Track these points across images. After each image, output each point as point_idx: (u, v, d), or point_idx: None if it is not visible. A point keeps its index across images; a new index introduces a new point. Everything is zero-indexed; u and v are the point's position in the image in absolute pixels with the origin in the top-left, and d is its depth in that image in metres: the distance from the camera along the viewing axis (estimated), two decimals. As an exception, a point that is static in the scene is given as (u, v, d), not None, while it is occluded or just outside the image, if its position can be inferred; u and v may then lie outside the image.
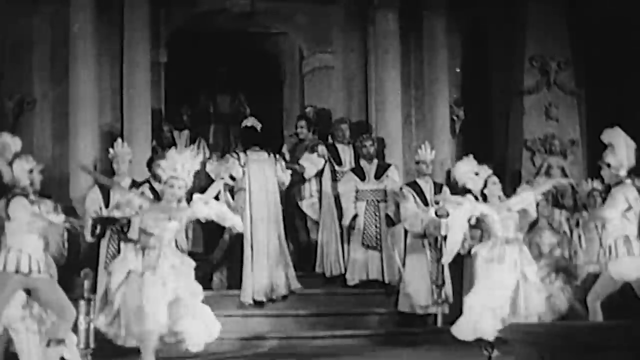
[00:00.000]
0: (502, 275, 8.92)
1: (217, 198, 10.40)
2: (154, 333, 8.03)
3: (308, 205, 11.34)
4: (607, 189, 9.02)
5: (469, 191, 10.79)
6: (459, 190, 11.32)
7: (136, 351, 8.24)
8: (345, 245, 11.07)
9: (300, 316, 10.40)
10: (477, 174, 9.32)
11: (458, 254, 10.82)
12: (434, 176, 11.19)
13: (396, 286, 10.80)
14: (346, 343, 9.91)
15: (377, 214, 10.98)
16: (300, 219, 11.45)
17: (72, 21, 11.18)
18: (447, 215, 10.45)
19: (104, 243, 10.17)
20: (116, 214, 8.62)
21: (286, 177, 10.72)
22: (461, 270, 10.90)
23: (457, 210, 9.30)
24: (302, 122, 11.75)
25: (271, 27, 13.08)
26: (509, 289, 8.91)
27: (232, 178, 10.55)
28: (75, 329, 8.02)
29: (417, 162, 11.00)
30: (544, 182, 10.13)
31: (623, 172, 8.80)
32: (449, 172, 11.83)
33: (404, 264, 10.81)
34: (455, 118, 12.11)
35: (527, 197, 9.29)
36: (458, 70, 12.12)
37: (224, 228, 10.73)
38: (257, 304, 10.38)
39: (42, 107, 11.39)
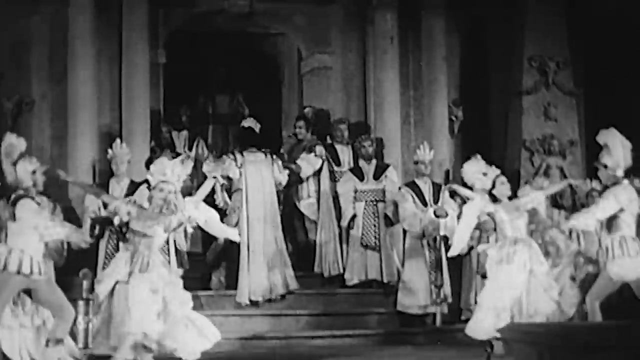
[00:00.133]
0: (510, 275, 8.91)
1: (213, 198, 10.51)
2: (136, 335, 7.98)
3: (306, 205, 11.35)
4: (605, 190, 9.03)
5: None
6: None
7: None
8: (344, 246, 11.08)
9: (299, 316, 10.40)
10: (485, 174, 9.32)
11: (457, 254, 10.86)
12: (433, 176, 11.20)
13: (395, 286, 10.80)
14: (345, 343, 9.92)
15: (375, 214, 10.98)
16: (299, 219, 11.45)
17: (71, 22, 11.18)
18: (446, 215, 10.48)
19: (102, 244, 10.17)
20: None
21: (283, 178, 10.73)
22: (460, 270, 10.91)
23: (468, 205, 9.31)
24: (301, 123, 11.76)
25: (270, 28, 13.08)
26: (517, 289, 8.90)
27: (229, 179, 10.56)
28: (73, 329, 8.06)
29: (416, 163, 11.01)
30: (557, 182, 10.14)
31: (620, 173, 8.81)
32: (447, 172, 11.85)
33: (402, 264, 10.82)
34: (453, 118, 12.11)
35: (537, 197, 9.28)
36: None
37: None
38: (255, 304, 10.38)
39: (40, 108, 11.38)
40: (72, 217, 9.95)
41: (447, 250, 10.67)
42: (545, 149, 11.87)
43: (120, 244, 8.95)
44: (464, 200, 10.97)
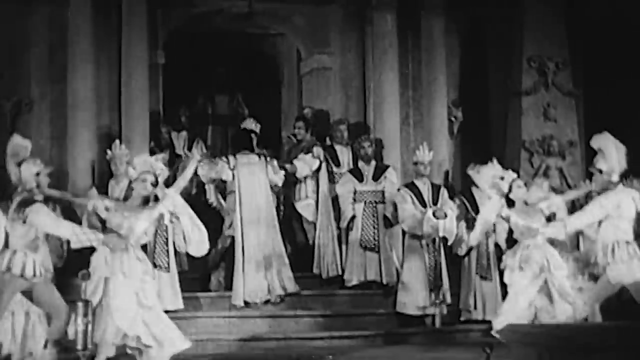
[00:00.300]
0: (525, 281, 8.90)
1: (209, 202, 10.54)
2: (119, 331, 8.00)
3: (303, 206, 11.34)
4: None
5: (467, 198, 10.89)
6: (456, 191, 11.39)
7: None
8: (343, 247, 11.07)
9: (298, 317, 10.40)
10: (502, 178, 9.32)
11: (456, 255, 10.87)
12: (432, 177, 11.20)
13: (394, 287, 10.80)
14: (344, 344, 9.91)
15: (375, 215, 10.98)
16: (297, 221, 11.45)
17: (71, 22, 11.17)
18: (445, 216, 10.48)
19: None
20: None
21: (279, 179, 10.73)
22: (459, 271, 10.91)
23: (488, 204, 9.32)
24: (300, 123, 11.76)
25: (269, 28, 13.08)
26: (532, 294, 8.89)
27: (224, 181, 10.59)
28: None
29: (415, 163, 11.01)
30: (577, 188, 10.11)
31: (615, 177, 8.83)
32: (447, 173, 11.85)
33: (402, 265, 10.81)
34: (453, 119, 12.11)
35: (556, 202, 9.25)
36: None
37: (221, 230, 10.79)
38: (252, 305, 10.37)
39: (40, 109, 11.37)
40: (72, 217, 9.99)
41: (446, 251, 10.70)
42: (545, 149, 11.86)
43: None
44: (463, 202, 10.99)
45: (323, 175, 11.29)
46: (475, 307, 10.76)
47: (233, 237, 10.54)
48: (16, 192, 8.92)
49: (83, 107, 11.13)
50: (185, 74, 12.88)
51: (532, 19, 12.05)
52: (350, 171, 11.20)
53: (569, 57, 12.06)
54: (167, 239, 10.12)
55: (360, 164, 11.21)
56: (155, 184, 8.35)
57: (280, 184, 10.82)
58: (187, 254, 10.54)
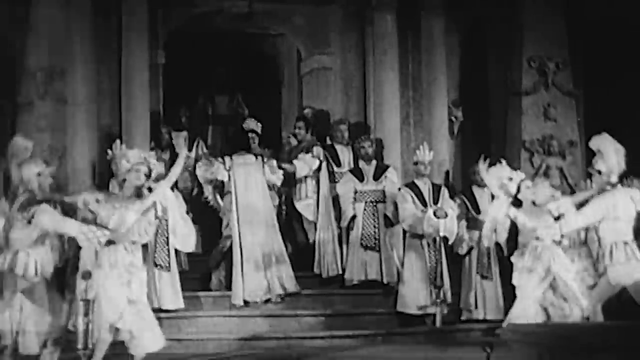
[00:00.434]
0: (533, 283, 8.89)
1: (207, 201, 10.55)
2: (113, 326, 8.03)
3: (303, 206, 11.34)
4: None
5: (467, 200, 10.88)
6: (457, 191, 11.39)
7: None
8: (344, 246, 11.07)
9: (299, 316, 10.40)
10: (511, 179, 9.33)
11: (457, 254, 10.88)
12: (432, 177, 11.20)
13: (395, 286, 10.80)
14: (345, 343, 9.91)
15: (375, 214, 10.98)
16: (297, 220, 11.45)
17: (71, 22, 11.16)
18: (446, 216, 10.49)
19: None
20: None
21: (277, 178, 10.74)
22: (460, 270, 10.91)
23: (495, 202, 9.32)
24: (300, 124, 11.76)
25: (269, 29, 13.07)
26: (540, 297, 8.89)
27: (221, 182, 10.60)
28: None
29: (416, 163, 11.01)
30: (586, 190, 10.11)
31: (614, 178, 8.84)
32: (447, 173, 11.85)
33: (402, 265, 10.82)
34: (453, 119, 12.10)
35: (565, 204, 9.25)
36: None
37: (221, 230, 10.81)
38: (252, 305, 10.37)
39: (40, 109, 11.35)
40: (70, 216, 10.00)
41: (446, 250, 10.70)
42: (545, 149, 11.86)
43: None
44: (463, 201, 11.00)
45: (323, 175, 11.29)
46: (475, 307, 10.76)
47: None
48: (18, 192, 8.96)
49: (83, 107, 11.13)
50: (185, 74, 12.86)
51: (532, 19, 12.05)
52: (351, 171, 11.21)
53: (569, 57, 12.06)
54: (167, 238, 10.12)
55: (361, 163, 11.22)
56: (148, 175, 8.38)
57: (278, 184, 10.83)
58: (188, 254, 10.59)
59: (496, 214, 9.31)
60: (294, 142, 11.78)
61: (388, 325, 10.53)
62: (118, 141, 10.69)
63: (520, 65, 12.00)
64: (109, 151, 10.59)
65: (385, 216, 10.97)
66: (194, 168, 11.02)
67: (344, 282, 10.99)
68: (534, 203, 9.20)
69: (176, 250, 10.24)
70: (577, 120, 12.12)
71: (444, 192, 10.92)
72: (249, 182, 10.60)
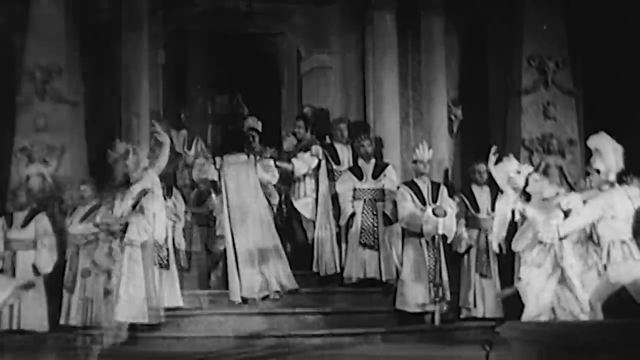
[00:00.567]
0: (541, 280, 8.90)
1: (203, 200, 10.58)
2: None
3: (302, 204, 11.33)
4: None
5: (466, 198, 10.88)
6: (456, 190, 11.40)
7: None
8: (343, 244, 11.08)
9: (297, 314, 10.40)
10: (519, 172, 9.34)
11: (456, 252, 10.88)
12: (432, 175, 11.20)
13: (394, 285, 10.80)
14: (344, 341, 9.92)
15: (374, 213, 10.98)
16: (296, 218, 11.45)
17: (71, 22, 11.18)
18: (445, 214, 10.49)
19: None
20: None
21: (271, 177, 10.70)
22: (459, 268, 10.92)
23: (502, 197, 9.34)
24: (300, 122, 11.76)
25: (269, 28, 13.08)
26: (549, 293, 8.90)
27: (213, 182, 10.63)
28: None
29: (415, 162, 11.02)
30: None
31: (612, 177, 8.84)
32: (446, 172, 11.86)
33: (401, 263, 10.82)
34: (453, 117, 12.11)
35: (575, 199, 9.24)
36: None
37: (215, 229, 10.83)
38: (250, 301, 10.37)
39: (39, 109, 11.36)
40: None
41: (445, 249, 10.71)
42: (545, 148, 11.86)
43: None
44: (462, 200, 11.01)
45: (323, 173, 11.29)
46: (474, 305, 10.76)
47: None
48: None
49: (82, 106, 11.13)
50: (185, 73, 12.86)
51: (531, 18, 12.05)
52: (350, 169, 11.21)
53: (569, 56, 12.06)
54: (166, 236, 10.12)
55: (360, 162, 11.22)
56: (136, 165, 8.45)
57: (273, 182, 10.79)
58: (187, 252, 10.59)
59: (504, 209, 9.31)
60: (293, 140, 11.79)
61: (387, 323, 10.53)
62: (118, 140, 10.72)
63: (520, 64, 12.00)
64: (109, 151, 10.60)
65: (384, 214, 10.97)
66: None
67: (342, 280, 10.99)
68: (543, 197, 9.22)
69: (175, 249, 10.25)
70: (577, 119, 12.12)
71: (443, 190, 10.92)
72: (240, 181, 10.59)
